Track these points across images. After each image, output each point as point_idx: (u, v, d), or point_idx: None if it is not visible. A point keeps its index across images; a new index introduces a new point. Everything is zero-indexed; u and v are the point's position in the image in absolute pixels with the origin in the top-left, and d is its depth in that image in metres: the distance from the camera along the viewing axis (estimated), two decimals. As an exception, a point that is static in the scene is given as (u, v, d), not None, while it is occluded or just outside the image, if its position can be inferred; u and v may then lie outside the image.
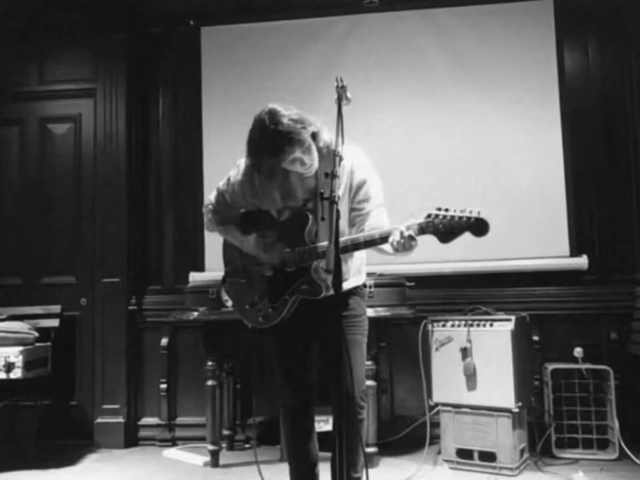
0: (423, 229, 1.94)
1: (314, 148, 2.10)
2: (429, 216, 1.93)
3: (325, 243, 2.10)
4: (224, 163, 4.02)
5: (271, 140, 2.02)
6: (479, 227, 1.89)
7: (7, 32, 4.32)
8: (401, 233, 1.93)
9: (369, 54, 4.03)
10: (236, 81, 4.16)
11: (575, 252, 3.79)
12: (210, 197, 2.43)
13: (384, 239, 2.01)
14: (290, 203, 2.22)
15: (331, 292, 2.14)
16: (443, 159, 3.93)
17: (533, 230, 3.80)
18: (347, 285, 2.23)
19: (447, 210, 1.92)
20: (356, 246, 2.07)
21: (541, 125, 3.87)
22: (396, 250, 1.99)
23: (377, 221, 2.15)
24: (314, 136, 2.08)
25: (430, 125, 3.97)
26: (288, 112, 2.03)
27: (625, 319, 3.69)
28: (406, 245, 1.95)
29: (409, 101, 4.01)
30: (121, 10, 4.20)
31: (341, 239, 1.90)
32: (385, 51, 4.04)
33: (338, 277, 1.76)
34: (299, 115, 2.04)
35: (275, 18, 4.17)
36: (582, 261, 3.77)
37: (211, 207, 2.40)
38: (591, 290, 3.81)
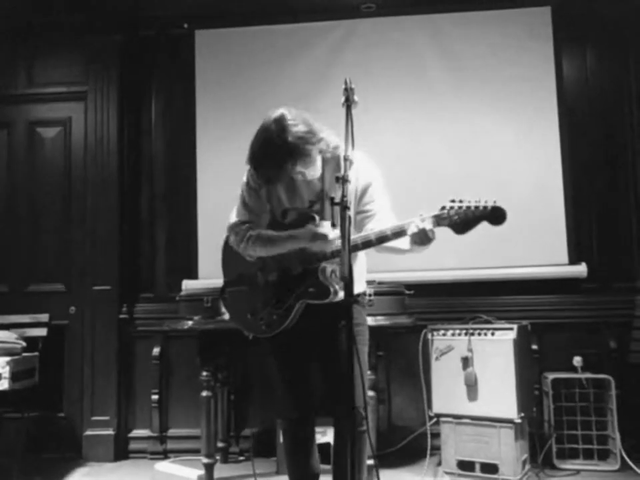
0: (438, 222, 1.89)
1: (318, 160, 2.06)
2: (443, 208, 1.88)
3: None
4: (218, 169, 4.00)
5: (273, 154, 1.97)
6: (495, 215, 1.85)
7: (-5, 32, 4.22)
8: (417, 226, 1.88)
9: (366, 60, 3.96)
10: (230, 86, 4.09)
11: (573, 260, 3.76)
12: (231, 219, 2.25)
13: (396, 234, 1.96)
14: (296, 204, 2.16)
15: (338, 297, 2.08)
16: (439, 167, 3.87)
17: (531, 237, 3.75)
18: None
19: (461, 201, 1.87)
20: (366, 243, 2.01)
21: (539, 133, 3.84)
22: (414, 243, 1.93)
23: (384, 221, 2.09)
24: (320, 149, 2.03)
25: (427, 132, 3.92)
26: (296, 124, 1.97)
27: (625, 327, 3.64)
28: (423, 238, 1.89)
29: (406, 108, 3.95)
30: (114, 11, 4.10)
31: (352, 237, 1.83)
32: (382, 57, 3.97)
33: (350, 284, 1.69)
34: (307, 127, 1.98)
35: (270, 22, 4.10)
36: (581, 269, 3.73)
37: (244, 227, 2.18)
38: (590, 298, 3.77)
